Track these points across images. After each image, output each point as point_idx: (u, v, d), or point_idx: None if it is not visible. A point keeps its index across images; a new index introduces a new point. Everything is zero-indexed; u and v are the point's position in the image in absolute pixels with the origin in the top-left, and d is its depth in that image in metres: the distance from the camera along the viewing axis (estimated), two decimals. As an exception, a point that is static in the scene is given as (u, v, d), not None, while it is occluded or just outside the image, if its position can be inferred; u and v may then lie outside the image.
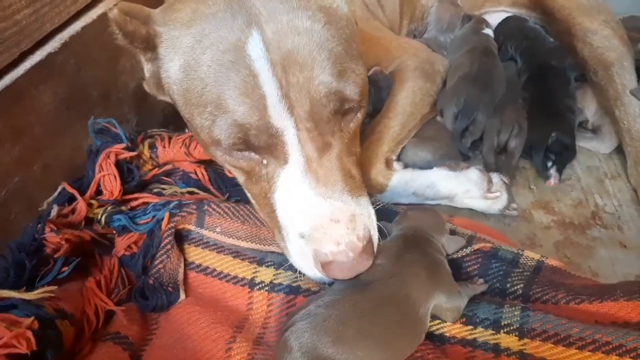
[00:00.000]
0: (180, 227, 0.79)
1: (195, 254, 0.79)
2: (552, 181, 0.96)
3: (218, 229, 0.79)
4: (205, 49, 0.60)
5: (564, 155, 0.97)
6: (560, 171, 0.96)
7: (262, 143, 0.62)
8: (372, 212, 0.68)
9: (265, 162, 0.65)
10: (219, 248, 0.79)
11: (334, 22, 0.63)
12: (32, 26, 0.69)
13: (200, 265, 0.79)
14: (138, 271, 0.72)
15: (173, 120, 0.97)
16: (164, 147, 0.85)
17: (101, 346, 0.66)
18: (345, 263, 0.61)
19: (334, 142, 0.66)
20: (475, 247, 0.75)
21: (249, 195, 0.74)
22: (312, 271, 0.66)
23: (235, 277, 0.76)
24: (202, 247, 0.80)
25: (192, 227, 0.80)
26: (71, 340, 0.61)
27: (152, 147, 0.86)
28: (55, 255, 0.64)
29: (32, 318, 0.54)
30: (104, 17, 0.82)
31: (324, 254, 0.62)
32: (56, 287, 0.60)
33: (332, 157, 0.65)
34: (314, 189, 0.63)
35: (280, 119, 0.60)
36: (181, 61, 0.63)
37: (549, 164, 0.96)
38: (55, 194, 0.73)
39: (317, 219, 0.62)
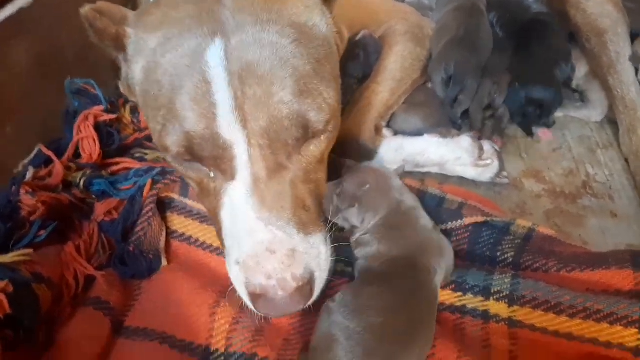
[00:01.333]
0: (164, 195, 0.77)
1: (178, 222, 0.77)
2: (542, 136, 0.94)
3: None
4: (165, 52, 0.57)
5: (547, 105, 0.95)
6: (547, 125, 0.95)
7: (209, 154, 0.57)
8: (324, 252, 0.62)
9: (212, 175, 0.61)
10: (203, 218, 0.77)
11: (305, 40, 0.59)
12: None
13: (183, 234, 0.77)
14: (118, 237, 0.70)
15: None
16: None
17: (82, 311, 0.64)
18: (273, 300, 0.56)
19: (290, 166, 0.60)
20: (467, 221, 0.73)
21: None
22: (247, 301, 0.60)
23: (218, 248, 0.74)
24: (185, 216, 0.78)
25: (175, 196, 0.78)
26: (49, 305, 0.59)
27: (133, 111, 0.83)
28: (32, 218, 0.61)
29: (7, 281, 0.51)
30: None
31: (252, 285, 0.57)
32: (32, 250, 0.57)
33: (284, 182, 0.60)
34: (257, 212, 0.58)
35: (231, 131, 0.56)
36: (143, 63, 0.60)
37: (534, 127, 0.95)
38: (31, 156, 0.70)
39: (253, 246, 0.57)
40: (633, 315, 0.59)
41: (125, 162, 0.76)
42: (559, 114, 1.02)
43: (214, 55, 0.55)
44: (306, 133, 0.58)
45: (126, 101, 0.83)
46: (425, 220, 0.69)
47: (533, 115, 0.95)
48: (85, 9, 0.60)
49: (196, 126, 0.55)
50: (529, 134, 0.97)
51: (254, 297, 0.57)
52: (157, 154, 0.81)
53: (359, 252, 0.68)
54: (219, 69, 0.55)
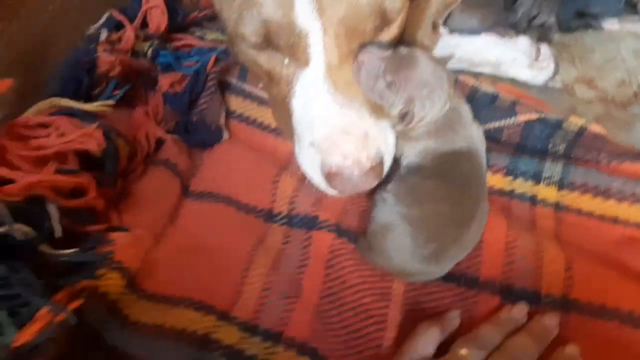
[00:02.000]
0: (223, 77, 0.79)
1: (236, 103, 0.79)
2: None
3: (260, 85, 0.78)
4: None
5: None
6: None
7: (284, 42, 0.58)
8: (391, 136, 0.64)
9: (286, 62, 0.61)
10: (261, 101, 0.79)
11: None
12: None
13: (242, 114, 0.79)
14: (183, 107, 0.72)
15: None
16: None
17: (153, 169, 0.68)
18: (349, 178, 0.59)
19: None
20: (520, 118, 0.75)
21: (269, 98, 0.72)
22: (319, 180, 0.63)
23: (276, 128, 0.77)
24: (244, 97, 0.80)
25: (233, 80, 0.80)
26: (125, 160, 0.63)
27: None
28: (111, 74, 0.64)
29: (97, 124, 0.55)
30: None
31: (329, 165, 0.59)
32: (113, 102, 0.61)
33: None
34: (332, 95, 0.59)
35: (307, 19, 0.56)
36: None
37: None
38: (103, 19, 0.71)
39: (328, 128, 0.59)
40: (680, 202, 0.62)
41: (188, 39, 0.78)
42: (615, 25, 1.00)
43: None
44: (382, 21, 0.59)
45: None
46: (468, 112, 0.70)
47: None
48: None
49: (274, 14, 0.56)
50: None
51: (330, 176, 0.60)
52: (216, 33, 0.83)
53: (408, 148, 0.69)
54: None
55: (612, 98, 0.91)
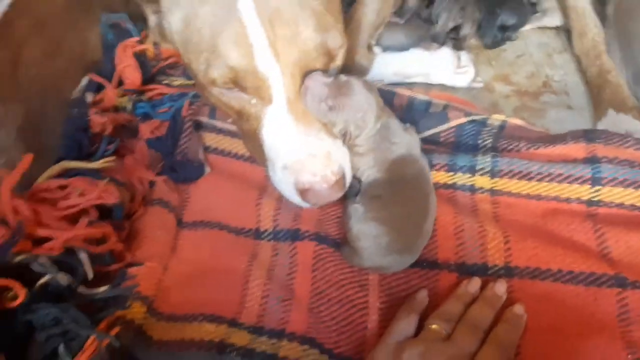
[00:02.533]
0: (195, 118, 0.89)
1: (211, 138, 0.90)
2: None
3: (229, 120, 0.89)
4: (203, 4, 0.67)
5: (512, 30, 1.11)
6: (511, 40, 1.12)
7: (250, 84, 0.70)
8: (346, 152, 0.77)
9: (253, 101, 0.73)
10: (232, 134, 0.90)
11: None
12: None
13: (217, 148, 0.89)
14: (168, 150, 0.82)
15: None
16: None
17: (151, 209, 0.78)
18: (319, 191, 0.71)
19: None
20: (452, 124, 0.89)
21: (240, 132, 0.84)
22: (293, 196, 0.75)
23: (250, 156, 0.88)
24: (216, 133, 0.90)
25: (205, 119, 0.90)
26: (128, 203, 0.72)
27: (155, 43, 0.92)
28: (106, 133, 0.73)
29: (107, 179, 0.64)
30: None
31: (301, 183, 0.71)
32: (114, 158, 0.70)
33: None
34: (295, 127, 0.71)
35: (267, 65, 0.68)
36: (182, 14, 0.70)
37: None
38: (84, 83, 0.80)
39: (297, 153, 0.71)
40: (585, 175, 0.77)
41: (160, 88, 0.87)
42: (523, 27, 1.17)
43: (245, 5, 0.66)
44: (328, 58, 0.72)
45: (147, 35, 0.92)
46: (397, 124, 0.80)
47: (501, 37, 1.11)
48: None
49: (238, 62, 0.68)
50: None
51: (303, 192, 0.72)
52: (181, 80, 0.93)
53: (360, 163, 0.78)
54: (252, 15, 0.66)
55: (526, 90, 1.08)
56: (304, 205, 0.75)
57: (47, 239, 0.58)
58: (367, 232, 0.72)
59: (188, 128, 0.85)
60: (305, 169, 0.71)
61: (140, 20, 0.90)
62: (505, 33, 1.11)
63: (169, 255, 0.77)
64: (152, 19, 0.78)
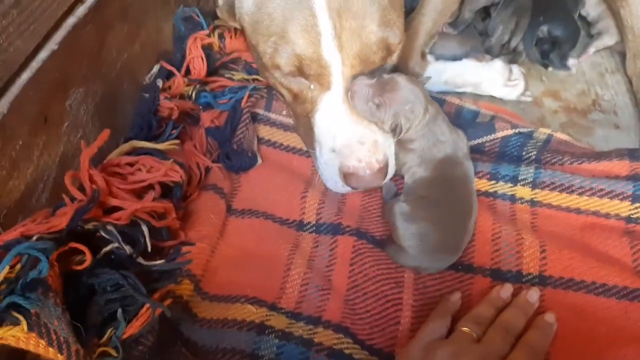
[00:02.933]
0: (253, 110, 0.94)
1: (264, 131, 0.95)
2: (571, 65, 1.10)
3: (284, 112, 0.94)
4: None
5: (564, 42, 1.10)
6: (563, 58, 1.10)
7: (313, 72, 0.75)
8: (393, 145, 0.81)
9: (312, 87, 0.78)
10: (285, 127, 0.95)
11: None
12: None
13: (269, 140, 0.95)
14: (225, 139, 0.87)
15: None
16: (231, 37, 0.97)
17: (204, 194, 0.83)
18: (363, 177, 0.77)
19: None
20: (499, 135, 0.91)
21: (292, 113, 0.89)
22: (333, 181, 0.80)
23: (300, 149, 0.93)
24: (270, 126, 0.95)
25: (260, 111, 0.95)
26: (185, 186, 0.78)
27: (220, 37, 0.98)
28: (172, 118, 0.79)
29: (172, 160, 0.70)
30: None
31: (347, 166, 0.76)
32: (179, 141, 0.76)
33: None
34: (349, 115, 0.77)
35: (331, 54, 0.73)
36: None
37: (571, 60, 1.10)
38: (155, 69, 0.86)
39: (347, 139, 0.76)
40: (626, 192, 0.78)
41: (222, 81, 0.93)
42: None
43: None
44: (387, 52, 0.76)
45: (215, 27, 0.98)
46: (446, 124, 0.83)
47: (549, 51, 1.10)
48: None
49: (305, 50, 0.73)
50: (545, 66, 1.11)
51: (347, 175, 0.77)
52: (242, 74, 0.98)
53: (408, 158, 0.82)
54: (322, 5, 0.71)
55: (574, 107, 1.09)
56: (344, 190, 0.81)
57: (115, 210, 0.64)
58: (414, 231, 0.75)
59: (245, 119, 0.90)
60: (353, 154, 0.76)
61: (209, 16, 0.97)
62: (556, 50, 1.11)
63: (217, 238, 0.82)
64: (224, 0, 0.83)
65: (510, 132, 0.89)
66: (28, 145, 0.62)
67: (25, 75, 0.62)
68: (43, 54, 0.64)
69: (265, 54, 0.77)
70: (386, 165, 0.78)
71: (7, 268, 0.51)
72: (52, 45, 0.65)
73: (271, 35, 0.74)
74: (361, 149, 0.75)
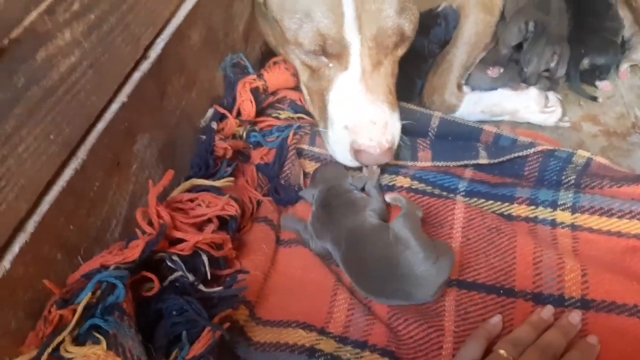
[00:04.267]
0: (298, 146, 1.00)
1: (310, 166, 1.01)
2: (604, 88, 1.14)
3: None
4: None
5: (604, 67, 1.14)
6: (604, 79, 1.14)
7: (334, 51, 0.81)
8: (399, 126, 0.87)
9: (330, 65, 0.84)
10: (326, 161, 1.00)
11: None
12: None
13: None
14: (273, 174, 0.93)
15: (268, 57, 1.18)
16: (268, 72, 1.03)
17: (256, 225, 0.89)
18: (372, 155, 0.83)
19: (385, 63, 0.85)
20: (538, 148, 0.94)
21: (305, 91, 0.95)
22: (343, 156, 0.86)
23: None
24: (315, 161, 1.01)
25: (305, 146, 1.01)
26: (239, 219, 0.84)
27: (259, 76, 1.05)
28: (227, 157, 0.86)
29: (228, 196, 0.77)
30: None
31: (358, 144, 0.83)
32: (234, 178, 0.83)
33: (381, 74, 0.85)
34: (364, 94, 0.82)
35: (351, 34, 0.79)
36: None
37: (598, 81, 1.13)
38: (209, 113, 0.94)
39: (360, 118, 0.82)
40: (667, 215, 0.79)
41: (270, 120, 1.00)
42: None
43: None
44: (400, 39, 0.83)
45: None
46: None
47: (592, 77, 1.14)
48: None
49: (329, 30, 0.79)
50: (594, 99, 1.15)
51: (357, 152, 0.84)
52: (288, 113, 1.05)
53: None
54: None
55: (614, 130, 1.10)
56: (352, 164, 0.87)
57: (179, 241, 0.71)
58: (401, 252, 0.77)
59: (291, 156, 0.97)
60: (365, 133, 0.82)
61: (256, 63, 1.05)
62: (597, 73, 1.14)
63: (269, 267, 0.87)
64: None
65: (550, 147, 0.92)
66: (104, 186, 0.70)
67: (100, 126, 0.70)
68: (114, 106, 0.73)
69: (289, 30, 0.83)
70: (393, 145, 0.85)
71: (89, 294, 0.58)
72: (122, 97, 0.74)
73: (297, 11, 0.80)
74: (373, 129, 0.82)
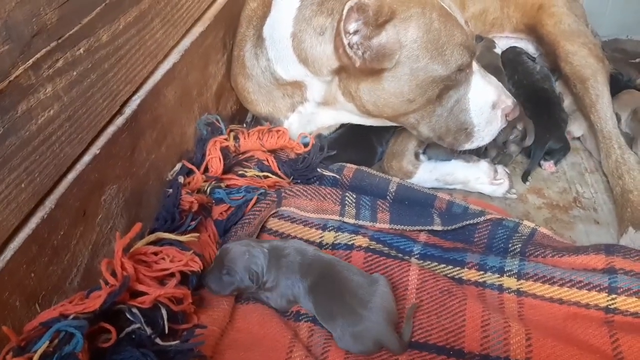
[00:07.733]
0: (265, 213, 1.03)
1: (273, 223, 1.04)
2: (548, 168, 1.24)
3: (292, 208, 1.04)
4: (431, 13, 0.95)
5: (557, 153, 1.25)
6: (555, 162, 1.25)
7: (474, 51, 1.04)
8: None
9: (467, 71, 1.03)
10: (292, 219, 1.03)
11: None
12: (164, 43, 0.94)
13: (277, 231, 1.03)
14: (220, 232, 0.96)
15: (237, 114, 1.25)
16: (245, 138, 1.10)
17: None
18: (515, 109, 1.08)
19: None
20: (487, 217, 1.00)
21: (441, 128, 1.07)
22: (491, 134, 1.08)
23: (307, 240, 1.01)
24: (278, 218, 1.04)
25: (271, 217, 1.04)
26: (201, 272, 0.86)
27: (235, 138, 1.10)
28: (193, 210, 0.88)
29: (191, 252, 0.79)
30: (202, 33, 1.07)
31: (509, 106, 1.07)
32: (199, 234, 0.85)
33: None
34: (487, 78, 1.07)
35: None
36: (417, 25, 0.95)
37: (543, 161, 1.25)
38: (177, 168, 0.97)
39: (497, 91, 1.06)
40: (603, 284, 0.86)
41: (236, 180, 1.03)
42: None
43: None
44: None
45: (231, 131, 1.10)
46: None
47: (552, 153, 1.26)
48: None
49: (468, 39, 1.00)
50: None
51: (511, 111, 1.08)
52: (254, 171, 1.09)
53: None
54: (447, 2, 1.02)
55: (557, 203, 1.18)
56: (502, 123, 1.08)
57: (140, 294, 0.72)
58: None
59: (244, 220, 0.98)
60: (504, 99, 1.07)
61: (226, 120, 1.10)
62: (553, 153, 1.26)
63: (227, 323, 0.88)
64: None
65: (498, 216, 0.99)
66: (68, 235, 0.71)
67: (71, 176, 0.72)
68: (86, 158, 0.75)
69: (448, 64, 0.97)
70: None
71: (47, 343, 0.58)
72: (94, 150, 0.76)
73: (443, 45, 0.96)
74: (506, 96, 1.08)
